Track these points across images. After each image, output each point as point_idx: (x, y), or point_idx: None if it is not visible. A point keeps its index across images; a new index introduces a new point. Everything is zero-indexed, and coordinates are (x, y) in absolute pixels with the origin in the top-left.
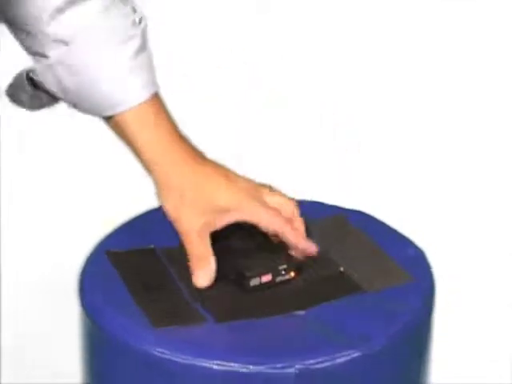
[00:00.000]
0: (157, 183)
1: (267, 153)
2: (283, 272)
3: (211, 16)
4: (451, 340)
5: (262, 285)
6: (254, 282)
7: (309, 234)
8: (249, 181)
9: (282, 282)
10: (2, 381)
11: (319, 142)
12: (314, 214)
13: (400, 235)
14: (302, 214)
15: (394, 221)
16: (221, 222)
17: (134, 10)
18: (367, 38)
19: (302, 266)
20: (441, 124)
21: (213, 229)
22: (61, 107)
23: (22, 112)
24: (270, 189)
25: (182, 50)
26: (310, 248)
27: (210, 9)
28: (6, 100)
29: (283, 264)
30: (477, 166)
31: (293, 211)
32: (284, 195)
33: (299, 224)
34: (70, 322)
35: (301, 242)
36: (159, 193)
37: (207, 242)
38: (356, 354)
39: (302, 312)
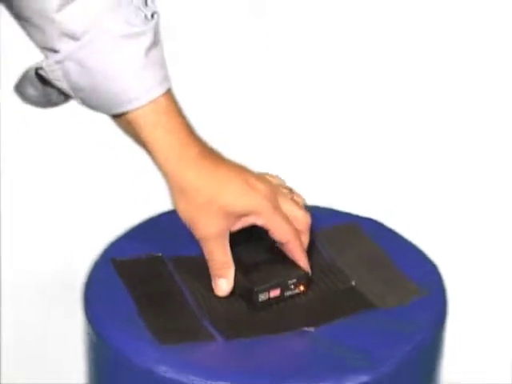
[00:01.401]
0: (170, 185)
1: (277, 158)
2: (292, 286)
3: (209, 17)
4: (451, 340)
5: (270, 300)
6: (263, 297)
7: (316, 244)
8: (267, 183)
9: (292, 297)
10: (2, 381)
11: (335, 147)
12: (328, 221)
13: (413, 247)
14: (315, 222)
15: (408, 229)
16: (236, 226)
17: (146, 4)
18: (367, 38)
19: (311, 279)
20: (460, 135)
21: (229, 231)
22: (66, 112)
23: (26, 114)
24: (290, 192)
25: (179, 50)
26: (308, 266)
27: (208, 10)
28: (7, 100)
29: (292, 278)
30: (496, 179)
31: (306, 225)
32: (301, 206)
33: (305, 238)
34: (71, 323)
35: (302, 260)
36: (173, 195)
37: (227, 247)
38: (364, 379)
39: (311, 329)
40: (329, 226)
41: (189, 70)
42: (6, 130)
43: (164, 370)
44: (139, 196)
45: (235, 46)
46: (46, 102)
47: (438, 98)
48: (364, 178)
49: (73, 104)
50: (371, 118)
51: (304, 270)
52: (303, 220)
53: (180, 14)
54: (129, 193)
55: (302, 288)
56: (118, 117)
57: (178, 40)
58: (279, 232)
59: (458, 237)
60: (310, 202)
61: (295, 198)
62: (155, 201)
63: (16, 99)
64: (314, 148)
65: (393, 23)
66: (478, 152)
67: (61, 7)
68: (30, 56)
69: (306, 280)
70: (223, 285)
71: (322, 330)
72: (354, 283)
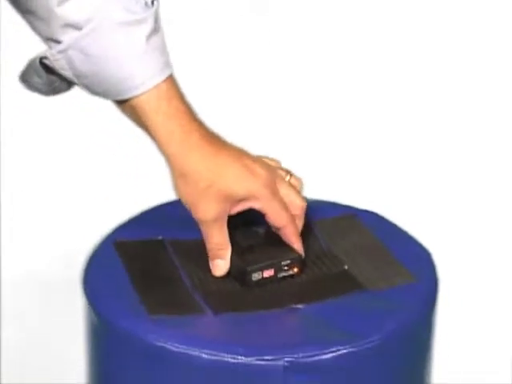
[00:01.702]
0: (172, 169)
1: (278, 151)
2: (286, 267)
3: (211, 14)
4: (451, 339)
5: (263, 279)
6: (256, 276)
7: (314, 233)
8: (267, 167)
9: (285, 278)
10: (3, 381)
11: (335, 141)
12: (327, 212)
13: (408, 236)
14: (315, 214)
15: (406, 221)
16: (235, 209)
17: None
18: (369, 35)
19: (306, 263)
20: (458, 128)
21: (228, 215)
22: (71, 98)
23: (27, 102)
24: (288, 174)
25: (181, 47)
26: (302, 250)
27: (210, 7)
28: (7, 93)
29: (286, 259)
30: (492, 172)
31: (301, 210)
32: (298, 191)
33: (300, 222)
34: (72, 320)
35: (296, 243)
36: (174, 179)
37: (224, 230)
38: (346, 350)
39: (300, 306)
40: (328, 217)
41: (190, 66)
42: (8, 121)
43: (153, 339)
44: (140, 191)
45: (237, 43)
46: (51, 90)
47: (432, 91)
48: (363, 171)
49: (75, 94)
50: (370, 112)
51: (298, 253)
52: (299, 205)
53: (182, 10)
54: (131, 186)
55: (295, 270)
56: (121, 103)
57: (180, 36)
58: (276, 217)
59: (456, 228)
60: (311, 194)
61: (293, 180)
62: (158, 189)
63: (16, 93)
64: (314, 142)
65: (393, 19)
66: (473, 145)
67: (61, 2)
68: (30, 52)
69: (300, 262)
70: (220, 265)
71: (311, 308)
72: (346, 267)
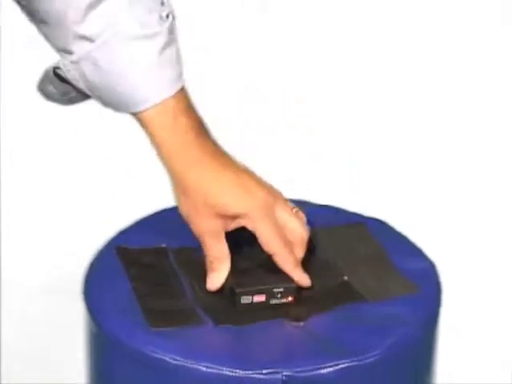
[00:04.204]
0: (173, 183)
1: (284, 158)
2: (279, 295)
3: (211, 13)
4: (451, 340)
5: (253, 304)
6: (246, 300)
7: (319, 242)
8: (268, 190)
9: (280, 305)
10: (2, 381)
11: (342, 147)
12: (334, 220)
13: (414, 246)
14: (320, 220)
15: (414, 230)
16: (230, 226)
17: (162, 3)
18: (369, 38)
19: (300, 290)
20: (473, 138)
21: (225, 230)
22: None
23: (28, 104)
24: (288, 203)
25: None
26: (303, 280)
27: (210, 5)
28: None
29: (279, 288)
30: (503, 185)
31: (301, 239)
32: (303, 222)
33: (300, 251)
34: (72, 321)
35: (293, 272)
36: (174, 192)
37: (222, 244)
38: (344, 365)
39: (301, 324)
40: (334, 225)
41: (190, 66)
42: (10, 124)
43: (151, 351)
44: (144, 194)
45: (236, 43)
46: (66, 100)
47: (443, 100)
48: (372, 178)
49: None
50: (379, 117)
51: (294, 282)
52: (300, 234)
53: (181, 9)
54: (135, 190)
55: (290, 299)
56: (134, 115)
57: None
58: (267, 241)
59: (461, 238)
60: (318, 200)
61: (299, 214)
62: (163, 194)
63: (18, 96)
64: (322, 148)
65: (395, 18)
66: (483, 155)
67: (81, 14)
68: (29, 55)
69: (296, 292)
70: (214, 278)
71: (310, 319)
72: (346, 278)
